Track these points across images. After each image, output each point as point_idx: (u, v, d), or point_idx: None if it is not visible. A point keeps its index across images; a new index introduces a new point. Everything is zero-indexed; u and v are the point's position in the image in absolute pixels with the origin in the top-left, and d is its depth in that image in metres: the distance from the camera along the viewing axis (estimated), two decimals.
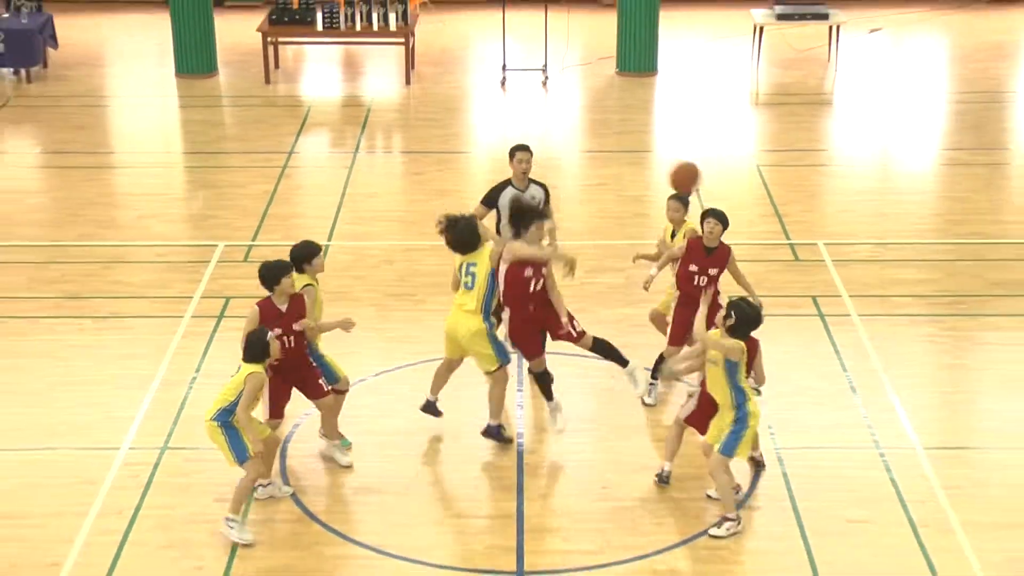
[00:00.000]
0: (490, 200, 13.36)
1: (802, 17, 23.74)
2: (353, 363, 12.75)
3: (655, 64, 23.22)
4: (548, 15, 23.42)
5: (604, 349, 12.46)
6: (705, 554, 10.90)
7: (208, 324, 14.48)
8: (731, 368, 10.81)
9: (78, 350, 13.75)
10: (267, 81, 23.01)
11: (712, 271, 12.29)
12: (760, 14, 23.93)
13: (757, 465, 11.89)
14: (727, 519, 11.11)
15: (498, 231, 13.16)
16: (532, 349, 12.21)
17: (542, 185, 13.51)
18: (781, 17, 23.68)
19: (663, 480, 11.63)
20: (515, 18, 23.83)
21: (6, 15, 23.16)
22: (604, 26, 24.63)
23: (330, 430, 11.99)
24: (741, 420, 10.87)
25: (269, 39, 23.10)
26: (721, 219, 12.31)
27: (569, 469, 12.15)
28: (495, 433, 12.28)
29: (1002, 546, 10.97)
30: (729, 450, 10.87)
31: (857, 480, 11.85)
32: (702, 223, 12.43)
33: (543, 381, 12.28)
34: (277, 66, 23.60)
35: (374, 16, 22.92)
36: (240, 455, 10.84)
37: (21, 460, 12.15)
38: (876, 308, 14.83)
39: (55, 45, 23.70)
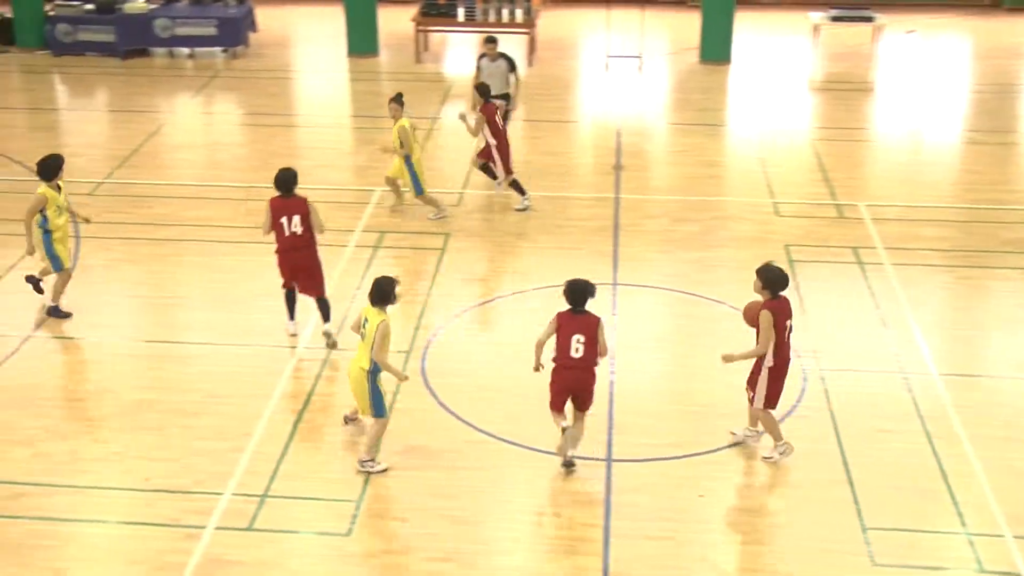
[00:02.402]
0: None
1: (851, 19, 23.31)
2: (483, 287, 12.61)
3: (730, 55, 22.72)
4: (645, 13, 23.02)
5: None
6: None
7: (366, 253, 14.49)
8: None
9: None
10: (417, 61, 22.88)
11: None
12: (817, 16, 23.44)
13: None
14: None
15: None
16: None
17: (507, 58, 16.85)
18: (834, 19, 23.29)
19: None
20: (617, 15, 23.44)
21: (219, 3, 23.28)
22: (689, 23, 24.14)
23: None
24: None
25: (420, 27, 23.00)
26: (757, 274, 10.19)
27: (649, 379, 12.01)
28: None
29: (1001, 455, 10.69)
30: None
31: (885, 397, 11.58)
32: None
33: None
34: (426, 49, 23.47)
35: (504, 11, 22.80)
36: (378, 410, 10.23)
37: (226, 353, 12.32)
38: (904, 259, 14.42)
39: (255, 29, 23.81)
